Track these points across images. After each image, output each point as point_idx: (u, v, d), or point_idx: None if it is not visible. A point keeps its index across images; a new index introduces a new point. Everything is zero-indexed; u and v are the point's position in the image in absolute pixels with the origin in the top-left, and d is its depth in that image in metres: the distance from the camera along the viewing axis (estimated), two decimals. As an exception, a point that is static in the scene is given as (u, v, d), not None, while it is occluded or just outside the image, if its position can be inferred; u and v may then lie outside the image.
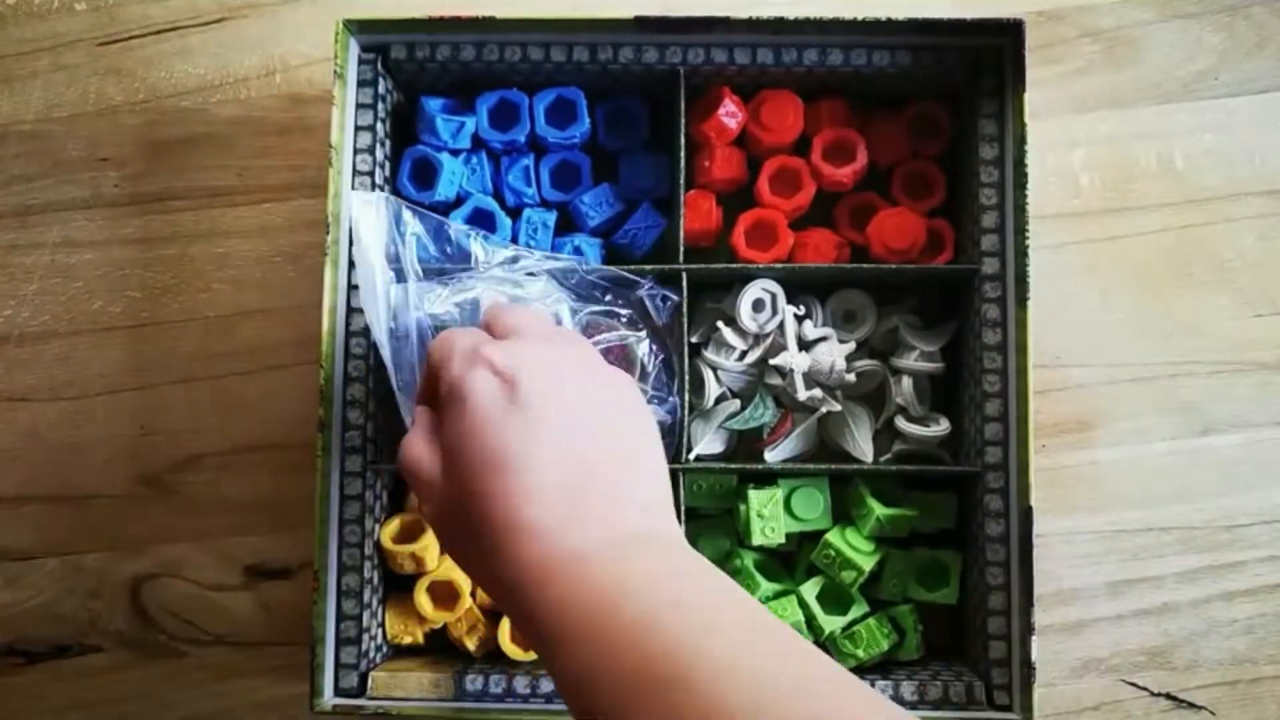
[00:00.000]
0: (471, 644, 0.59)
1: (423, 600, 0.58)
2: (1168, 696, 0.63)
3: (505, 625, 0.58)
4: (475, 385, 0.40)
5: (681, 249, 0.58)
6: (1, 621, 0.65)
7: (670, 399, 0.56)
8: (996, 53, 0.58)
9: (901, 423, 0.60)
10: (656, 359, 0.57)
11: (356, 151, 0.57)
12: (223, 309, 0.66)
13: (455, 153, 0.61)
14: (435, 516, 0.41)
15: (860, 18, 0.56)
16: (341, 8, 0.61)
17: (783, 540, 0.58)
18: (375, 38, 0.58)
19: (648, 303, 0.57)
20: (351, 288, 0.56)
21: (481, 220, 0.61)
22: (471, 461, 0.39)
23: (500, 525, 0.38)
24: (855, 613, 0.58)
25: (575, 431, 0.39)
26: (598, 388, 0.42)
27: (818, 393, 0.59)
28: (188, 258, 0.66)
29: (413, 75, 0.60)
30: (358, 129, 0.57)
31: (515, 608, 0.39)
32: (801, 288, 0.62)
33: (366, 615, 0.56)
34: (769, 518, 0.58)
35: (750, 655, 0.33)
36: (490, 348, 0.41)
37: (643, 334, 0.56)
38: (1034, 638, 0.54)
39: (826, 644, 0.58)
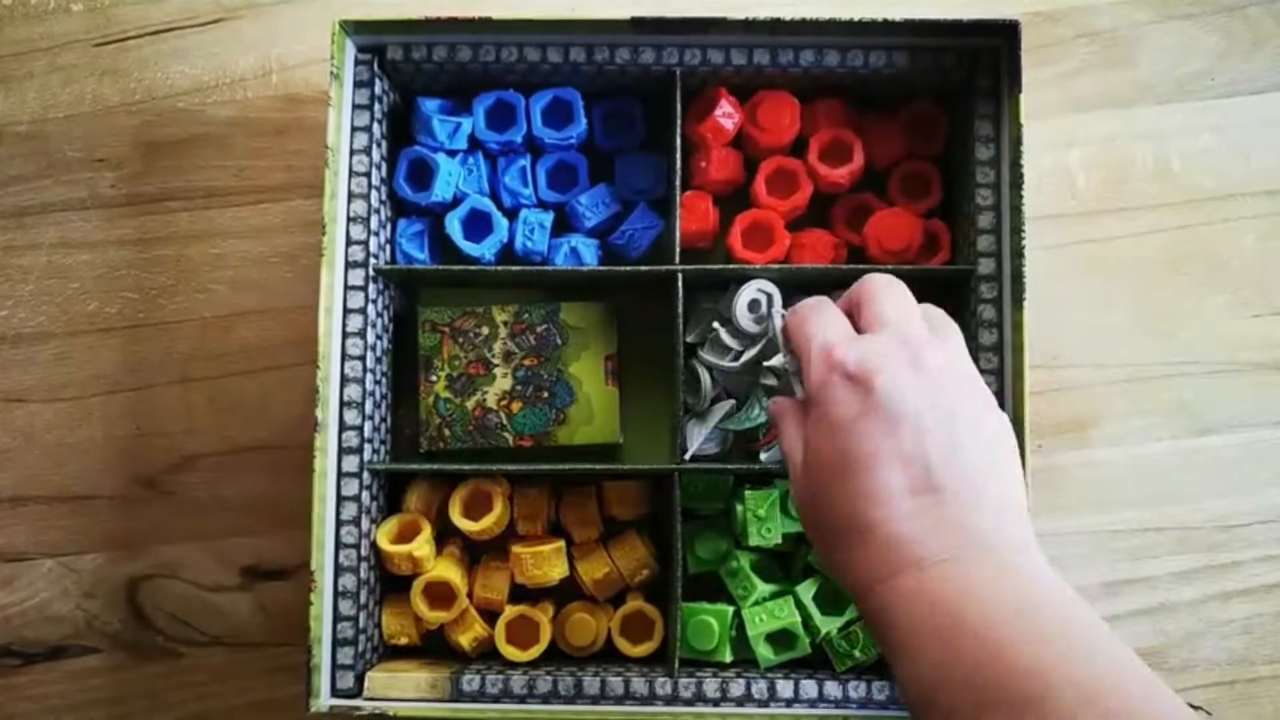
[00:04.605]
0: (468, 644, 0.59)
1: (419, 601, 0.58)
2: (1164, 697, 0.63)
3: (502, 625, 0.58)
4: (828, 394, 0.41)
5: (678, 250, 0.58)
6: (-2, 622, 0.65)
7: None
8: (993, 53, 0.57)
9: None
10: None
11: (353, 152, 0.57)
12: (219, 310, 0.66)
13: (452, 153, 0.61)
14: (798, 507, 0.43)
15: (856, 19, 0.55)
16: (338, 8, 0.61)
17: (779, 541, 0.58)
18: (372, 38, 0.58)
19: None
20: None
21: (478, 221, 0.61)
22: (823, 463, 0.41)
23: (846, 525, 0.40)
24: (852, 613, 0.58)
25: (927, 434, 0.40)
26: (958, 391, 0.42)
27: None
28: (184, 258, 0.66)
29: (409, 76, 0.60)
30: (354, 130, 0.57)
31: (862, 606, 0.40)
32: (798, 288, 0.62)
33: (363, 616, 0.56)
34: (765, 518, 0.58)
35: (1106, 689, 0.33)
36: (844, 350, 0.42)
37: None
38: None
39: (823, 644, 0.58)
